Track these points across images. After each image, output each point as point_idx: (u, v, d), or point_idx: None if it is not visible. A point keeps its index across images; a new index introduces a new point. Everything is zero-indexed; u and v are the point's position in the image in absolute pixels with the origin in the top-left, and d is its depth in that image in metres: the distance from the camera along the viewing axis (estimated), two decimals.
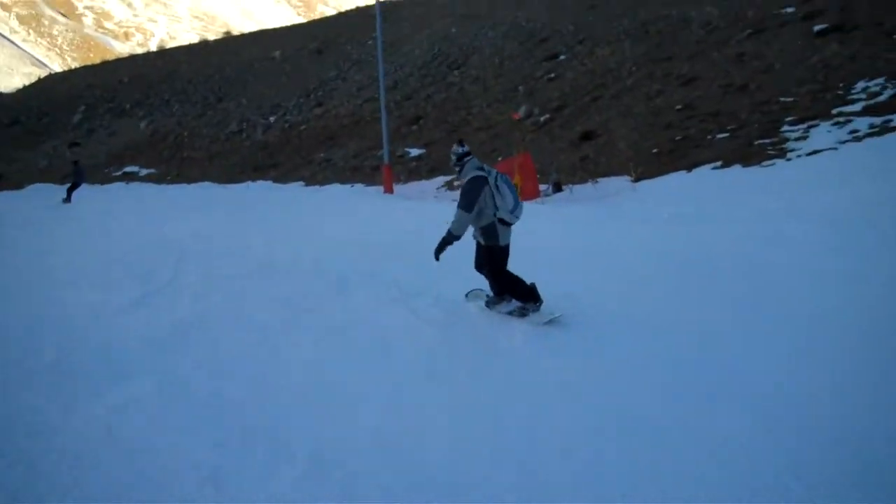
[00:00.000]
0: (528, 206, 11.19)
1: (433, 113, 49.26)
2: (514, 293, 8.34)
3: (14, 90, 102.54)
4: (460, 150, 8.30)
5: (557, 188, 29.00)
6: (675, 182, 23.93)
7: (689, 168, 24.85)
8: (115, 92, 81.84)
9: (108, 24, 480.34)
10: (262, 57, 79.55)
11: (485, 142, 41.01)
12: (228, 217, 20.53)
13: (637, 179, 25.62)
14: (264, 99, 65.69)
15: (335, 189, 39.63)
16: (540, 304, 8.26)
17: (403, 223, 18.44)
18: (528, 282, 8.30)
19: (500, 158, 37.13)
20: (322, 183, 42.51)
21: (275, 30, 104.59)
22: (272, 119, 59.82)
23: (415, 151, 44.20)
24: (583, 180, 28.76)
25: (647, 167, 26.30)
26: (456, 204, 8.15)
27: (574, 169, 31.03)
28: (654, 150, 28.39)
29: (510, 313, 8.47)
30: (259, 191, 40.42)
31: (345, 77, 63.92)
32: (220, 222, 18.82)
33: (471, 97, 48.92)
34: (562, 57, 48.97)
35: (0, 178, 64.27)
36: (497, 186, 8.04)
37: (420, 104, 51.64)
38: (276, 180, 46.24)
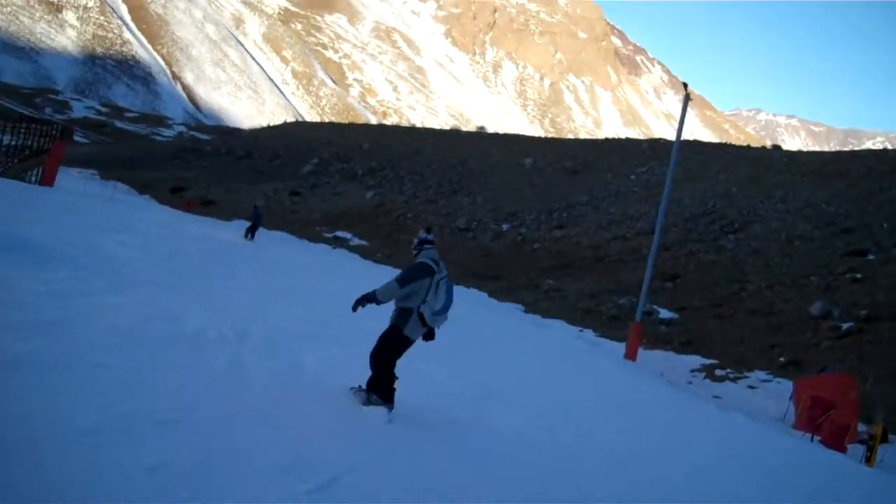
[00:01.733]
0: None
1: (695, 274, 41.11)
2: (379, 386, 8.03)
3: (257, 127, 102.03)
4: (426, 236, 8.31)
5: (883, 436, 20.27)
6: None
7: None
8: (353, 154, 78.39)
9: (370, 100, 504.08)
10: (512, 161, 74.01)
11: (760, 329, 32.43)
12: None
13: None
14: (502, 203, 59.56)
15: (562, 330, 32.12)
16: (390, 407, 7.97)
17: None
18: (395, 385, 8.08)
19: (780, 356, 28.75)
20: (545, 314, 35.34)
21: (531, 138, 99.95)
22: (505, 227, 53.35)
23: (665, 313, 36.16)
24: None
25: None
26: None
27: None
28: None
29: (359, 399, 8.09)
30: (482, 308, 33.57)
31: (597, 206, 56.79)
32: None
33: (747, 271, 40.37)
34: (871, 256, 39.67)
35: (211, 203, 61.53)
36: (437, 284, 7.91)
37: (680, 260, 43.58)
38: (492, 294, 39.38)
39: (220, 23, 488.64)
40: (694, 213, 51.79)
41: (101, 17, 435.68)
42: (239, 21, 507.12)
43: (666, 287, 39.57)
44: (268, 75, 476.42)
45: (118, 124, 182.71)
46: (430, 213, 58.44)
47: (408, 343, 8.03)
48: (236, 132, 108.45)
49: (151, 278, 12.54)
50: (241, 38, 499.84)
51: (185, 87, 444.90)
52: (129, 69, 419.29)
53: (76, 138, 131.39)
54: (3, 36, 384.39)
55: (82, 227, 17.62)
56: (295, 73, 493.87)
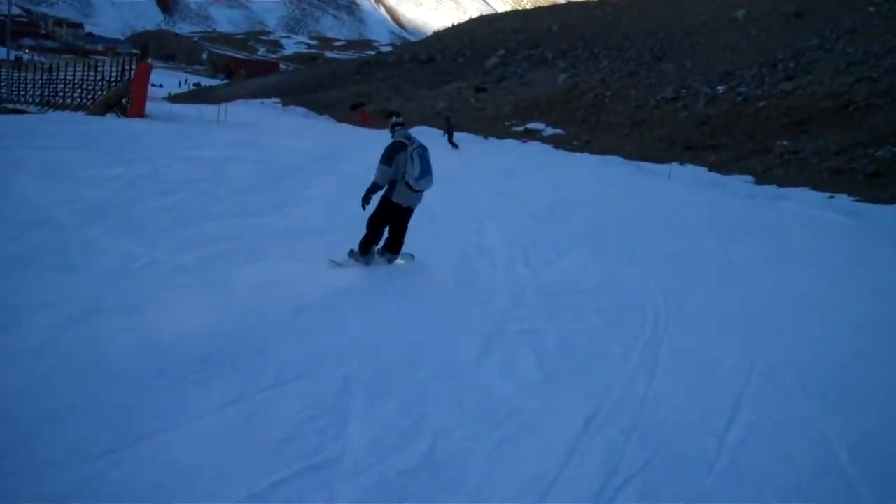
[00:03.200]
0: None
1: None
2: (367, 241, 9.32)
3: (441, 29, 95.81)
4: (395, 119, 9.53)
5: None
6: None
7: None
8: (541, 39, 71.16)
9: None
10: (721, 16, 64.57)
11: None
12: None
13: None
14: (714, 65, 51.22)
15: (806, 200, 25.12)
16: (367, 261, 9.34)
17: None
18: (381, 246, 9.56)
19: None
20: (781, 183, 28.19)
21: None
22: (720, 89, 45.39)
23: None
24: None
25: None
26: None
27: None
28: None
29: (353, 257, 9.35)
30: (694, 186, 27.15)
31: (830, 48, 47.38)
32: None
33: None
34: None
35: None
36: (412, 156, 8.98)
37: None
38: (713, 167, 32.54)
39: None
40: None
41: None
42: None
43: None
44: None
45: (329, 55, 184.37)
46: (631, 87, 51.15)
47: (398, 208, 9.29)
48: (423, 40, 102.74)
49: None
50: None
51: (388, 9, 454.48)
52: (334, 1, 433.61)
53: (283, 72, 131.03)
54: None
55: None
56: None
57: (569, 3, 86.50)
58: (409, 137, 9.13)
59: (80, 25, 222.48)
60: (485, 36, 77.09)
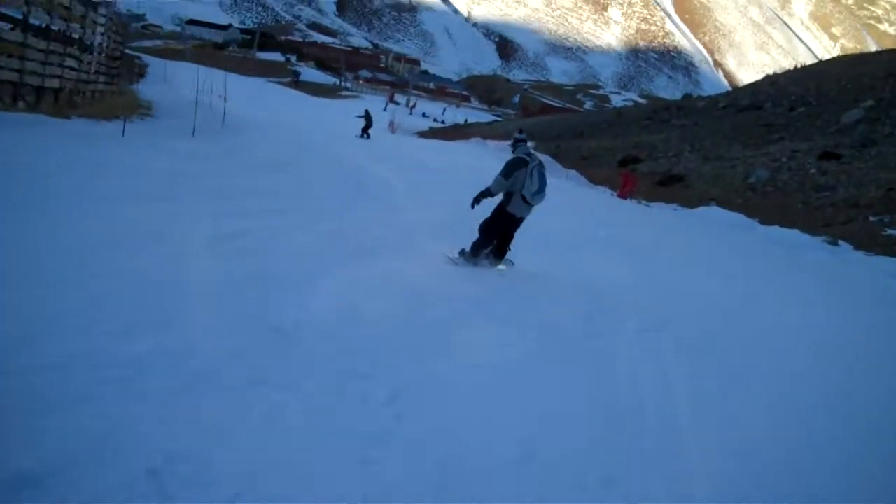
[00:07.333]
0: None
1: None
2: (477, 248, 9.81)
3: (776, 73, 71.23)
4: (518, 136, 10.01)
5: None
6: None
7: None
8: None
9: None
10: None
11: None
12: None
13: None
14: None
15: None
16: (496, 263, 9.89)
17: None
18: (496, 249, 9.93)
19: None
20: None
21: None
22: None
23: None
24: None
25: None
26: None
27: None
28: None
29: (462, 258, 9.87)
30: None
31: None
32: None
33: None
34: None
35: (678, 179, 36.68)
36: (531, 173, 9.50)
37: None
38: None
39: (765, 4, 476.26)
40: None
41: (645, 11, 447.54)
42: (785, 1, 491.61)
43: None
44: (814, 55, 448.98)
45: None
46: None
47: (511, 218, 9.77)
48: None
49: None
50: (786, 18, 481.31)
51: (727, 74, 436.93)
52: (671, 60, 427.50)
53: None
54: (552, 38, 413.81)
55: None
56: (844, 50, 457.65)
57: None
58: (529, 154, 9.64)
59: (418, 62, 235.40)
60: (842, 81, 52.93)
